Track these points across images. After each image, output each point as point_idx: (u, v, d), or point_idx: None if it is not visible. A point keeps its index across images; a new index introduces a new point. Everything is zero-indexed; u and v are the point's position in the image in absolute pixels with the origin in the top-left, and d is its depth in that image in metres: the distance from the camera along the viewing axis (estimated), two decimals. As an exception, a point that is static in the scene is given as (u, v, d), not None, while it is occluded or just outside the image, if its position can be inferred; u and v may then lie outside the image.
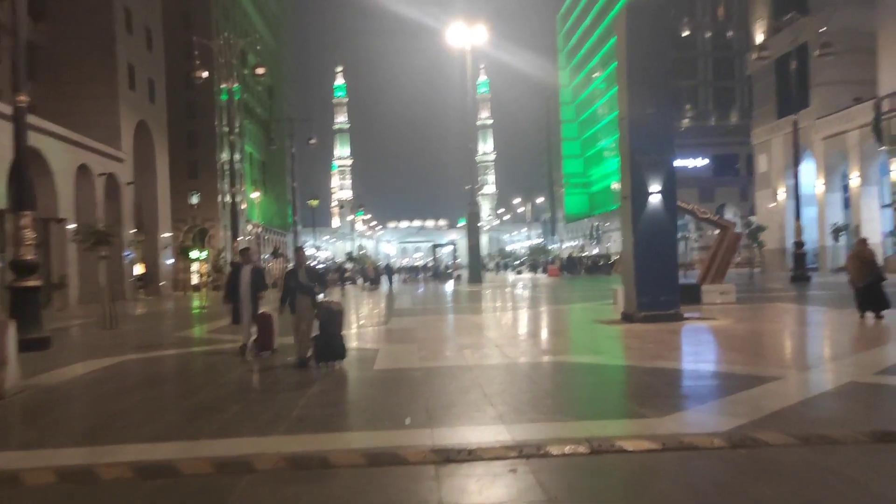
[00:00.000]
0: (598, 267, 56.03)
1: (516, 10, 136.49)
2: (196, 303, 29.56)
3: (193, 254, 70.15)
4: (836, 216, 39.23)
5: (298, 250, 10.04)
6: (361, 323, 15.70)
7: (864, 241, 13.54)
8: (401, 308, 20.50)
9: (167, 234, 41.44)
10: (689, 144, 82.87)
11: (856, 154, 36.77)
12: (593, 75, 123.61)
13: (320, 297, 8.98)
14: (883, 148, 32.96)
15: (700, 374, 7.34)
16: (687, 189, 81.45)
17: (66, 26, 33.85)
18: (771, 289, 23.10)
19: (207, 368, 9.41)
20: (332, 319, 8.28)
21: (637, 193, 12.79)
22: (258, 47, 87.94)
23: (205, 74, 25.17)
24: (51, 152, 28.07)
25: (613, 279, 40.41)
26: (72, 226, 29.10)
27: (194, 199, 70.34)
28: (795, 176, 27.65)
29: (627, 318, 12.83)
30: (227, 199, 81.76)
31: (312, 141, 44.30)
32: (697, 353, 9.27)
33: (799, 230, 26.58)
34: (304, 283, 8.59)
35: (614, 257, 60.07)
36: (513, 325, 14.04)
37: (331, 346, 8.30)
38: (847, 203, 39.03)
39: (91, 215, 31.59)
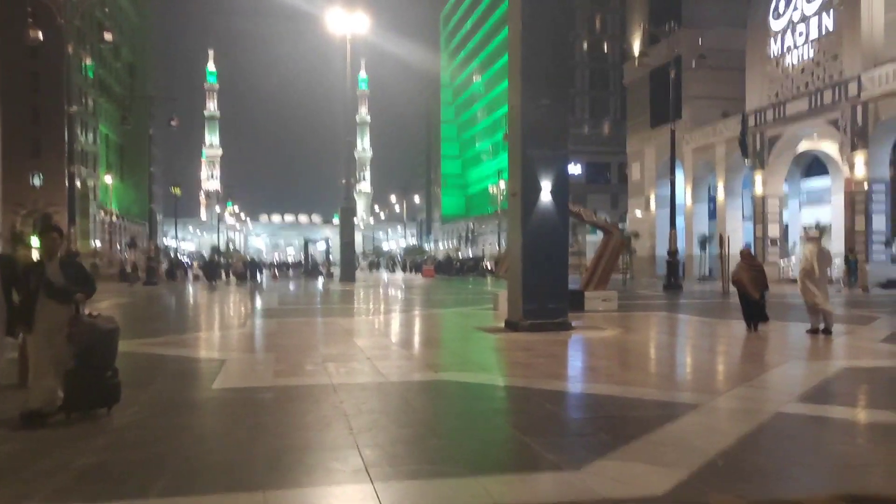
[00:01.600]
0: (475, 269, 55.87)
1: (400, 4, 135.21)
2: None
3: (33, 241, 63.22)
4: (703, 226, 40.91)
5: (46, 229, 5.84)
6: (213, 324, 13.69)
7: (749, 251, 13.28)
8: (265, 308, 18.52)
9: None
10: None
11: (722, 167, 38.41)
12: (474, 77, 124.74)
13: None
14: (747, 162, 34.49)
15: (606, 399, 6.22)
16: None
17: None
18: (646, 296, 23.11)
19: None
20: (99, 345, 5.21)
21: (527, 190, 11.73)
22: (103, 15, 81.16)
23: (39, 35, 21.83)
24: None
25: (487, 282, 39.95)
26: None
27: (36, 181, 63.54)
28: (672, 184, 28.11)
29: (512, 326, 11.75)
30: (78, 183, 74.86)
31: (174, 122, 40.74)
32: (595, 370, 8.24)
33: (674, 238, 27.00)
34: (54, 282, 5.21)
35: (488, 260, 60.24)
36: (386, 331, 12.60)
37: (92, 387, 5.20)
38: (713, 214, 40.74)
39: None
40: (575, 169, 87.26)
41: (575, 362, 8.92)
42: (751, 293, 11.35)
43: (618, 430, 5.09)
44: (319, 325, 13.04)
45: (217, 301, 22.41)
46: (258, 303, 20.80)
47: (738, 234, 36.97)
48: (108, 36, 24.83)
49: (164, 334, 11.42)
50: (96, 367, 5.22)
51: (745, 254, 12.92)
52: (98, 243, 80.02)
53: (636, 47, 47.30)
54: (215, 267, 42.55)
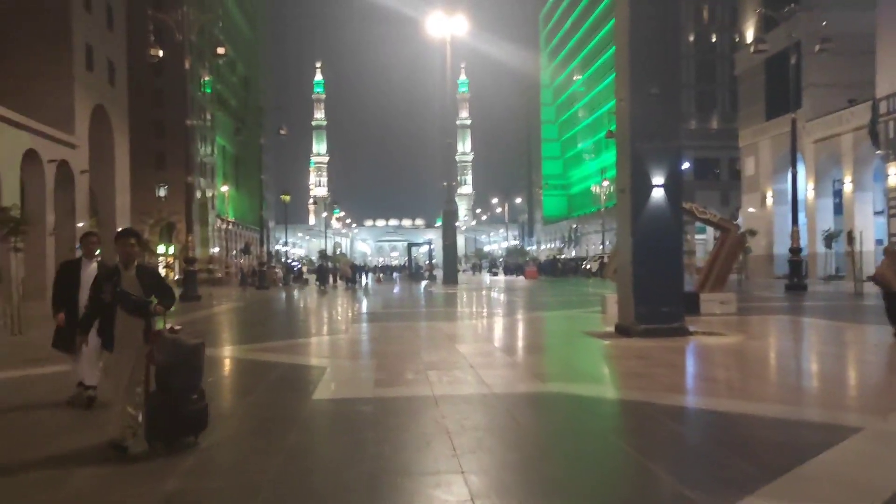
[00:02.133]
0: (575, 270, 54.57)
1: (500, 5, 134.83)
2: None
3: (160, 249, 67.33)
4: (827, 222, 37.96)
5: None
6: (318, 329, 13.71)
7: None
8: (369, 312, 18.54)
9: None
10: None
11: (849, 158, 35.49)
12: (574, 77, 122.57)
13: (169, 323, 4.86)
14: (879, 152, 31.65)
15: (738, 418, 5.49)
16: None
17: (18, 1, 31.44)
18: (767, 298, 21.51)
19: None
20: (182, 364, 4.54)
21: (637, 186, 10.96)
22: (220, 31, 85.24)
23: (160, 52, 22.97)
24: (-11, 133, 25.67)
25: (593, 283, 38.74)
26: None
27: (161, 192, 67.59)
28: (794, 178, 26.15)
29: (623, 331, 11.01)
30: (198, 193, 79.18)
31: (283, 131, 42.14)
32: (721, 382, 7.45)
33: (796, 236, 25.06)
34: (129, 294, 4.71)
35: (592, 261, 58.63)
36: (489, 336, 12.16)
37: (175, 413, 4.52)
38: (838, 209, 37.76)
39: (40, 205, 29.28)
40: (683, 165, 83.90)
41: (697, 373, 8.13)
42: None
43: (760, 458, 4.40)
44: (422, 330, 12.77)
45: (323, 305, 22.73)
46: (362, 307, 20.90)
47: (870, 231, 33.97)
48: (221, 51, 25.79)
49: (269, 339, 11.48)
50: (179, 389, 4.54)
51: (892, 252, 11.60)
52: (216, 250, 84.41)
53: (750, 34, 44.64)
54: (325, 272, 43.88)
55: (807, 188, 39.08)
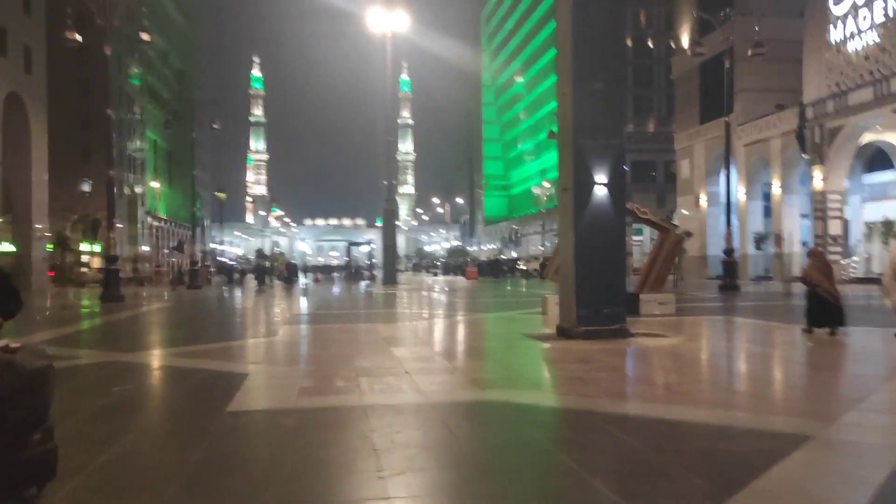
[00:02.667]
0: (511, 270, 54.75)
1: (441, 4, 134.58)
2: (80, 300, 25.71)
3: (83, 247, 64.41)
4: (757, 224, 39.06)
5: None
6: (245, 331, 12.97)
7: (821, 251, 12.19)
8: (302, 313, 17.82)
9: (39, 225, 36.70)
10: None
11: (778, 162, 36.58)
12: (516, 78, 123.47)
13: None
14: (805, 156, 32.66)
15: (687, 427, 5.18)
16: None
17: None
18: (703, 298, 21.76)
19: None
20: (20, 394, 3.20)
21: (580, 184, 10.68)
22: (151, 21, 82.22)
23: (78, 37, 21.62)
24: None
25: (532, 284, 38.76)
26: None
27: (86, 187, 64.45)
28: (728, 181, 26.64)
29: (564, 332, 10.71)
30: (126, 189, 76.06)
31: (216, 126, 40.75)
32: (666, 387, 7.17)
33: (729, 237, 25.55)
34: None
35: (528, 261, 58.85)
36: (428, 339, 11.69)
37: (10, 457, 3.16)
38: (767, 211, 38.89)
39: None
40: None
41: (639, 377, 7.85)
42: (827, 289, 10.28)
43: (713, 471, 4.05)
44: (358, 333, 12.19)
45: (256, 306, 21.85)
46: (298, 308, 20.16)
47: (796, 233, 35.10)
48: (145, 36, 24.40)
49: (190, 343, 10.72)
50: (16, 426, 3.18)
51: (816, 253, 11.87)
52: (146, 248, 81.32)
53: (685, 38, 45.58)
54: (263, 271, 42.91)
55: (738, 191, 40.12)
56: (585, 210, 10.67)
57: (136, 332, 12.89)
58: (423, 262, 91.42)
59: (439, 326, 13.75)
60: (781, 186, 36.38)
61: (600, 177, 10.71)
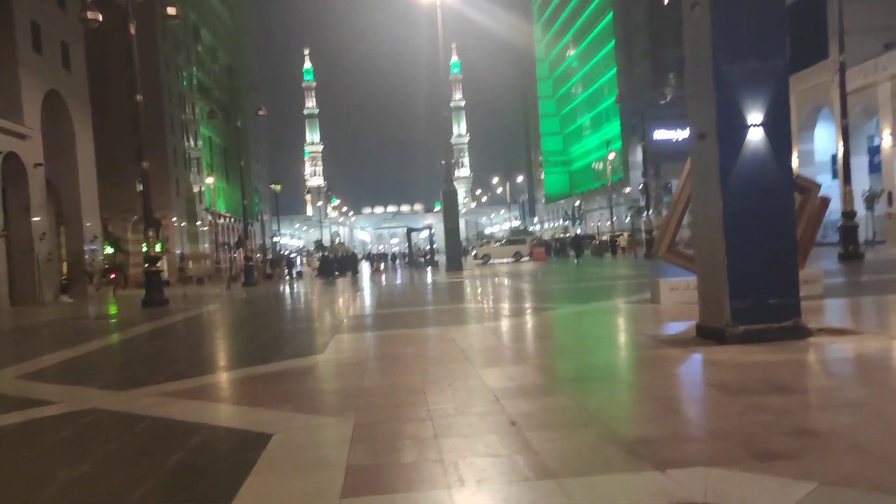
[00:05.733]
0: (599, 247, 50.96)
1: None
2: (112, 308, 23.93)
3: (143, 248, 63.94)
4: (863, 182, 34.61)
5: None
6: (280, 348, 10.39)
7: None
8: (359, 314, 15.24)
9: (90, 224, 35.32)
10: (679, 115, 78.66)
11: (888, 109, 32.05)
12: (568, 52, 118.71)
13: None
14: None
15: None
16: (676, 163, 77.06)
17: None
18: (834, 272, 18.19)
19: None
20: None
21: (727, 128, 7.59)
22: (197, 17, 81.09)
23: (98, 16, 19.48)
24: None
25: (606, 263, 35.43)
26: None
27: (140, 187, 63.96)
28: (844, 133, 22.75)
29: (710, 333, 7.72)
30: (181, 187, 75.61)
31: (261, 112, 38.77)
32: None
33: (849, 197, 21.73)
34: None
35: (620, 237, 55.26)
36: (521, 350, 8.84)
37: None
38: (876, 167, 34.39)
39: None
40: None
41: (880, 413, 4.77)
42: None
43: None
44: (426, 342, 9.40)
45: (306, 306, 19.47)
46: (353, 306, 17.63)
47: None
48: (171, 11, 22.16)
49: (208, 370, 8.15)
50: None
51: None
52: (206, 246, 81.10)
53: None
54: (329, 263, 41.38)
55: (837, 146, 35.67)
56: (736, 163, 7.60)
57: (143, 357, 10.44)
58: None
59: (529, 329, 10.85)
60: (893, 135, 31.88)
61: (755, 116, 7.60)
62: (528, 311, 13.33)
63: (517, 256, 50.19)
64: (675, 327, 9.15)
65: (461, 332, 10.28)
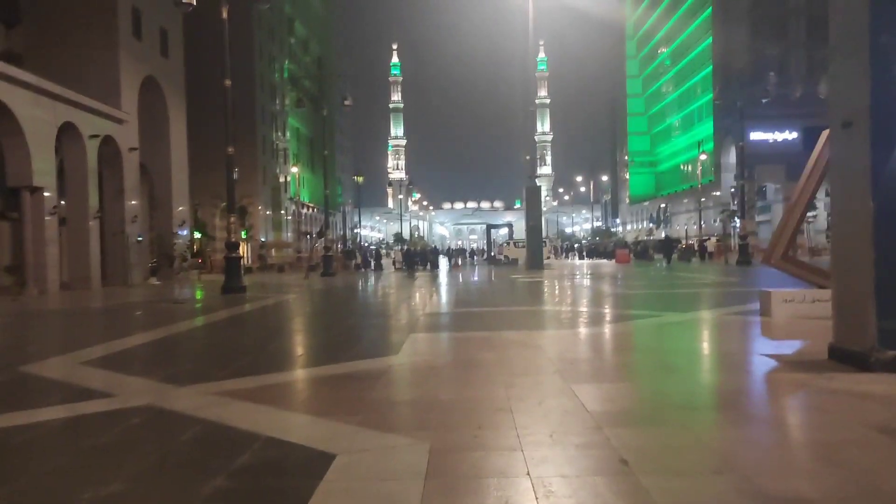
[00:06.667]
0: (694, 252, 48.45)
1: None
2: (199, 293, 24.15)
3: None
4: None
5: None
6: (354, 349, 9.74)
7: None
8: (436, 311, 14.52)
9: (182, 209, 36.10)
10: (778, 115, 74.47)
11: None
12: (660, 49, 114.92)
13: None
14: None
15: None
16: (772, 165, 72.99)
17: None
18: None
19: None
20: None
21: (882, 114, 6.37)
22: (291, 8, 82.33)
23: (193, 0, 19.53)
24: (18, 104, 22.98)
25: (696, 268, 33.48)
26: (48, 194, 24.16)
27: (233, 175, 65.49)
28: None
29: (852, 358, 6.53)
30: (268, 176, 77.26)
31: (347, 102, 38.75)
32: None
33: None
34: None
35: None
36: (616, 363, 7.85)
37: None
38: None
39: (81, 186, 26.72)
40: (789, 135, 75.89)
41: None
42: None
43: None
44: (508, 348, 8.51)
45: (382, 300, 18.95)
46: (430, 303, 16.95)
47: None
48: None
49: (276, 367, 7.54)
50: None
51: None
52: (289, 234, 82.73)
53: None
54: (411, 256, 41.38)
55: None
56: (893, 156, 6.36)
57: (212, 348, 10.00)
58: (564, 245, 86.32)
59: (624, 339, 9.80)
60: None
61: (918, 98, 6.35)
62: (621, 317, 12.23)
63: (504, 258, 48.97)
64: (797, 346, 7.96)
65: (547, 338, 9.35)
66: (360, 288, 25.70)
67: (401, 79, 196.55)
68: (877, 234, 6.37)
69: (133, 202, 30.54)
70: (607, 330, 10.36)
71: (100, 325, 13.73)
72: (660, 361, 7.52)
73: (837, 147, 7.04)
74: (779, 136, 76.49)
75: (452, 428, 4.80)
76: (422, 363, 7.58)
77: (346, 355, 8.22)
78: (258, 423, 4.97)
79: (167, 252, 31.56)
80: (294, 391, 6.29)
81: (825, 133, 10.78)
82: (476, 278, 30.10)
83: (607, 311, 13.69)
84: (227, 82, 20.44)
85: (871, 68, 6.37)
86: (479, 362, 7.42)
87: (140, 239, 30.64)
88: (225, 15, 19.88)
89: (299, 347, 9.28)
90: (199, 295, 21.79)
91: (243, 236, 66.46)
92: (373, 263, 47.37)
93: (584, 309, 13.91)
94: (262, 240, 67.12)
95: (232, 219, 20.76)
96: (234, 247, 20.47)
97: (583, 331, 10.08)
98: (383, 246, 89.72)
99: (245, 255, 61.87)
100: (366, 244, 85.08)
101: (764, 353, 7.70)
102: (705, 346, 8.60)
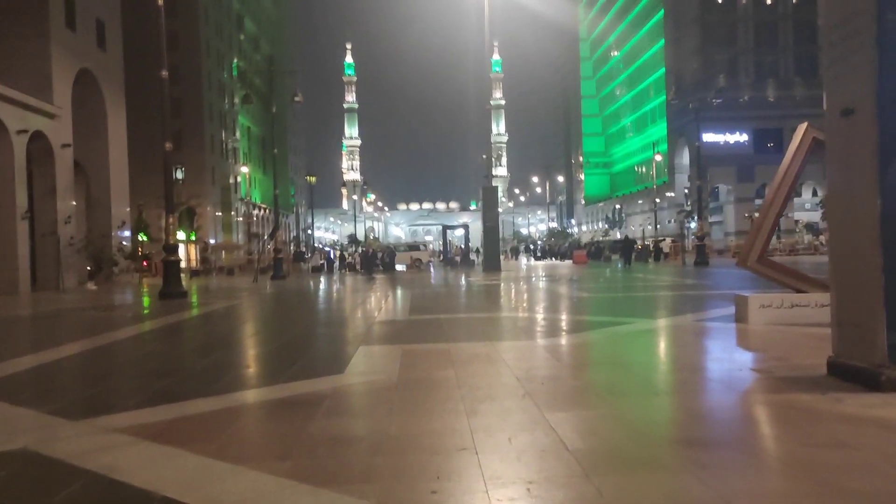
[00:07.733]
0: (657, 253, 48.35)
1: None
2: (134, 297, 22.60)
3: (180, 235, 63.45)
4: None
5: None
6: (293, 367, 8.70)
7: None
8: (391, 318, 13.52)
9: (123, 209, 34.24)
10: (726, 118, 75.69)
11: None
12: (613, 52, 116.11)
13: None
14: None
15: None
16: (723, 167, 74.03)
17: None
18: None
19: None
20: None
21: (890, 100, 5.66)
22: (240, 5, 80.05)
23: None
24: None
25: (654, 269, 33.20)
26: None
27: (179, 174, 63.19)
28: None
29: (856, 376, 5.82)
30: (217, 175, 75.05)
31: (298, 98, 37.39)
32: None
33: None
34: None
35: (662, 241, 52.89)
36: (593, 383, 7.00)
37: None
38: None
39: (8, 183, 24.88)
40: (740, 137, 77.14)
41: None
42: None
43: None
44: (472, 364, 7.58)
45: (335, 305, 17.87)
46: (385, 308, 15.95)
47: None
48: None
49: (190, 393, 6.42)
50: None
51: None
52: (240, 236, 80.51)
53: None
54: (370, 258, 40.37)
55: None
56: (902, 148, 5.65)
57: (128, 366, 8.80)
58: (520, 246, 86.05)
59: (595, 350, 8.97)
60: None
61: (928, 84, 5.64)
62: (590, 325, 11.43)
63: (417, 264, 48.38)
64: (788, 359, 7.21)
65: (512, 350, 8.46)
66: (312, 291, 24.52)
67: (355, 79, 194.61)
68: (884, 235, 5.65)
69: (68, 202, 28.70)
70: (578, 341, 9.52)
71: (8, 339, 12.30)
72: (640, 380, 6.69)
73: (836, 137, 6.31)
74: (730, 138, 77.67)
75: (405, 477, 3.84)
76: (371, 384, 6.58)
77: (285, 375, 7.17)
78: (159, 475, 3.92)
79: (100, 255, 29.78)
80: (215, 425, 5.23)
81: (802, 126, 10.17)
82: (434, 281, 29.17)
83: (575, 318, 12.90)
84: (164, 73, 19.02)
85: (877, 48, 5.64)
86: (438, 382, 6.47)
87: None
88: (161, 1, 18.48)
89: (230, 365, 8.19)
90: (132, 301, 20.33)
91: (191, 238, 64.23)
92: (337, 264, 46.53)
93: (550, 315, 13.08)
94: (212, 241, 65.00)
95: (171, 219, 19.38)
96: (172, 249, 19.11)
97: (552, 342, 9.22)
98: (338, 247, 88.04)
99: (194, 258, 59.59)
100: (319, 245, 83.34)
101: (753, 367, 6.95)
102: (687, 360, 7.81)
